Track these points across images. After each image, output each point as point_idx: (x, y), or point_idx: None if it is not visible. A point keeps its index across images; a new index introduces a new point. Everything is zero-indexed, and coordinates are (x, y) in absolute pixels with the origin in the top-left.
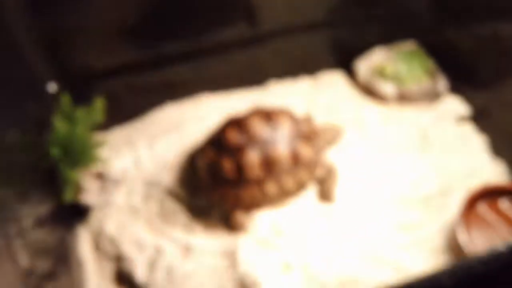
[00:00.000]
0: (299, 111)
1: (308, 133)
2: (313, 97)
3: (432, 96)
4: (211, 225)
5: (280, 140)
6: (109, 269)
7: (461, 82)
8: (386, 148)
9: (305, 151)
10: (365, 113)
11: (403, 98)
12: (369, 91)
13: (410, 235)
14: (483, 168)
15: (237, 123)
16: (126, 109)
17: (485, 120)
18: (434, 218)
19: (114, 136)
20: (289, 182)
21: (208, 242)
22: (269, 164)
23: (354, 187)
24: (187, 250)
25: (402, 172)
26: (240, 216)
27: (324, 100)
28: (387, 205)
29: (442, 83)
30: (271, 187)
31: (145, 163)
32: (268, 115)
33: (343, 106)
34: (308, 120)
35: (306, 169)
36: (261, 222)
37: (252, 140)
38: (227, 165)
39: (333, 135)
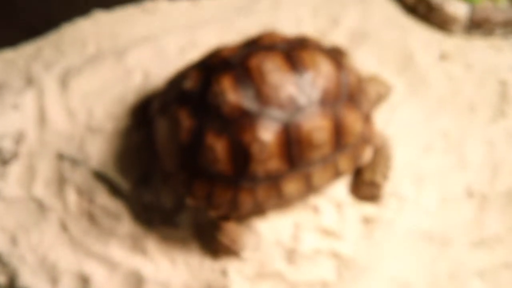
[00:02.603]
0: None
1: (355, 89)
2: (334, 15)
3: None
4: (176, 242)
5: (314, 103)
6: None
7: None
8: (447, 109)
9: (353, 122)
10: (417, 49)
11: (476, 25)
12: (423, 11)
13: (487, 254)
14: None
15: (237, 67)
16: (25, 16)
17: None
18: None
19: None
20: (321, 174)
21: (171, 271)
22: (294, 147)
23: (406, 176)
24: (135, 283)
25: (472, 151)
26: (231, 230)
27: (351, 23)
28: (452, 207)
29: None
30: (292, 186)
31: (56, 120)
32: (290, 53)
33: (383, 35)
34: (349, 63)
35: (350, 151)
36: (265, 238)
37: (265, 102)
38: (219, 146)
39: (378, 93)
